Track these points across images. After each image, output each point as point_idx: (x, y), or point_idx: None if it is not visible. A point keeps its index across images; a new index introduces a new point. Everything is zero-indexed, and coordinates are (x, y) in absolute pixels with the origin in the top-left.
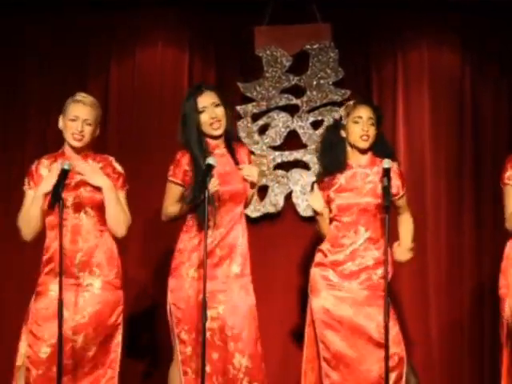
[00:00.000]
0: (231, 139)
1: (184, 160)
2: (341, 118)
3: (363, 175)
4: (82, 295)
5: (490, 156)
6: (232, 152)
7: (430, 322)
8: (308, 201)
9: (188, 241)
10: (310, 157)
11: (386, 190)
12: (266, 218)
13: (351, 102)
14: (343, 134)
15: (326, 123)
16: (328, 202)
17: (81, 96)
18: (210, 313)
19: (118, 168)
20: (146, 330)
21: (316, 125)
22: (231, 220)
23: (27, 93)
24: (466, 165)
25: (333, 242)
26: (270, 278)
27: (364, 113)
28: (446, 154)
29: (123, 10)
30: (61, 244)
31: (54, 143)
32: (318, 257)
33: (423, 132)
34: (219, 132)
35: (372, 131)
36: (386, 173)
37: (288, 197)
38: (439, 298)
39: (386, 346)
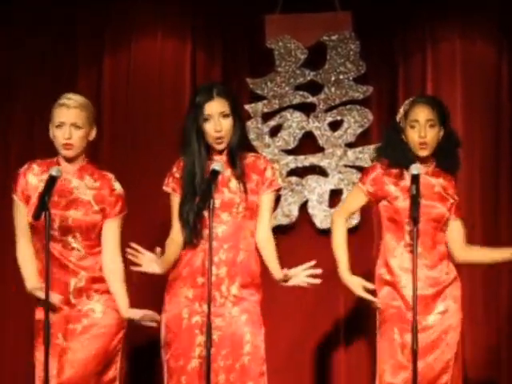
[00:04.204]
0: (236, 153)
1: (175, 168)
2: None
3: (431, 183)
4: (81, 321)
5: None
6: (234, 165)
7: (464, 342)
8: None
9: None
10: (327, 162)
11: (415, 199)
12: (279, 230)
13: (409, 100)
14: (403, 137)
15: (345, 124)
16: (383, 196)
17: (65, 98)
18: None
19: (118, 189)
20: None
21: (334, 126)
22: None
23: (13, 87)
24: (503, 163)
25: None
26: (282, 298)
27: (421, 115)
28: (480, 154)
29: None
30: (48, 258)
31: (40, 143)
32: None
33: (456, 130)
34: (222, 147)
35: (432, 135)
36: (415, 180)
37: (303, 207)
38: (474, 319)
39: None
